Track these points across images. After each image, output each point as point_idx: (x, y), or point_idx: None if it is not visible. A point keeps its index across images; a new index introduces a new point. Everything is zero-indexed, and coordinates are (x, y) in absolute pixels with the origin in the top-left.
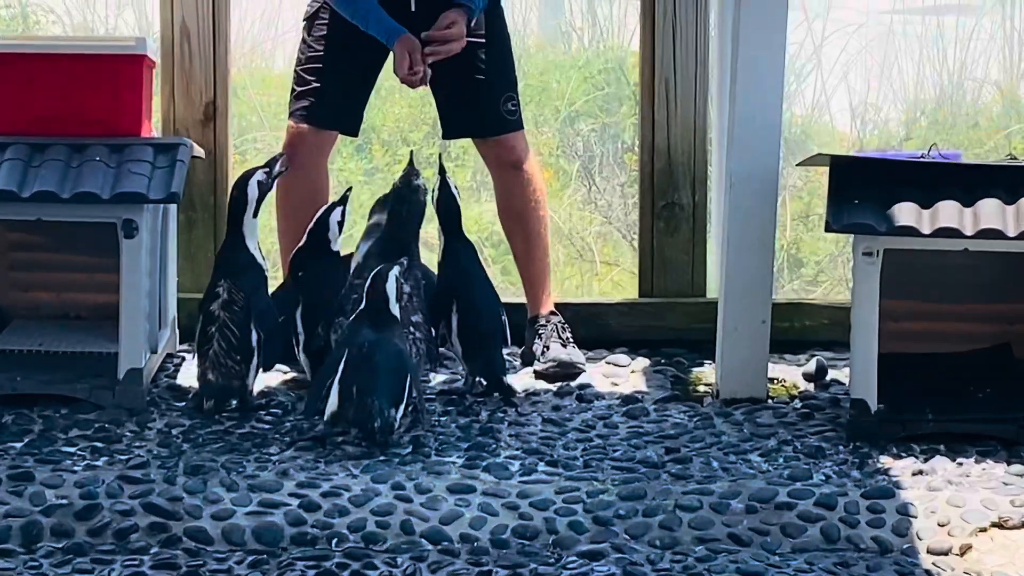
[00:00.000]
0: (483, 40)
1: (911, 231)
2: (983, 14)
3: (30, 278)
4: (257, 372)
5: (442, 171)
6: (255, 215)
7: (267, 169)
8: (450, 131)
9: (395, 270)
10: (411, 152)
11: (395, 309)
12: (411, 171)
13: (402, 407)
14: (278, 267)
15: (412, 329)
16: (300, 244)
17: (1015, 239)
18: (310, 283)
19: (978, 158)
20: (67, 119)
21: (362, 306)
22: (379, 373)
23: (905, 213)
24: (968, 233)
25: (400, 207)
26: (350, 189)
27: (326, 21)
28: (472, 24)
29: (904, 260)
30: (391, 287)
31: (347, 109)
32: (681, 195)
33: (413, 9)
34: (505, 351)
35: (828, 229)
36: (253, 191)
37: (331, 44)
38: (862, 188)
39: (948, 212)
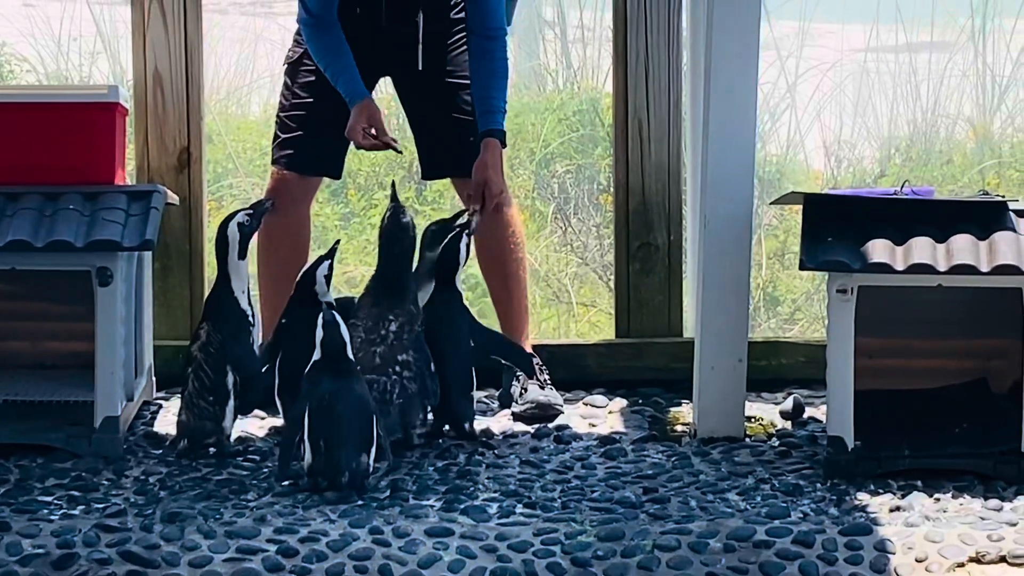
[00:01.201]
0: (467, 81)
1: (885, 268)
2: (956, 51)
3: (4, 327)
4: (234, 416)
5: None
6: (240, 257)
7: (250, 211)
8: (430, 171)
9: (342, 323)
10: (392, 183)
11: (351, 354)
12: (397, 208)
13: (372, 451)
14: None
15: (399, 368)
16: (291, 295)
17: (988, 274)
18: (293, 330)
19: (952, 194)
20: (40, 167)
21: (317, 356)
22: (342, 423)
23: (879, 250)
24: (941, 269)
25: (392, 247)
26: (338, 242)
27: (311, 68)
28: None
29: (879, 297)
30: (344, 333)
31: (331, 154)
32: (656, 235)
33: (420, 68)
34: (477, 394)
35: (802, 267)
36: (234, 233)
37: (317, 92)
38: (835, 226)
39: (921, 248)
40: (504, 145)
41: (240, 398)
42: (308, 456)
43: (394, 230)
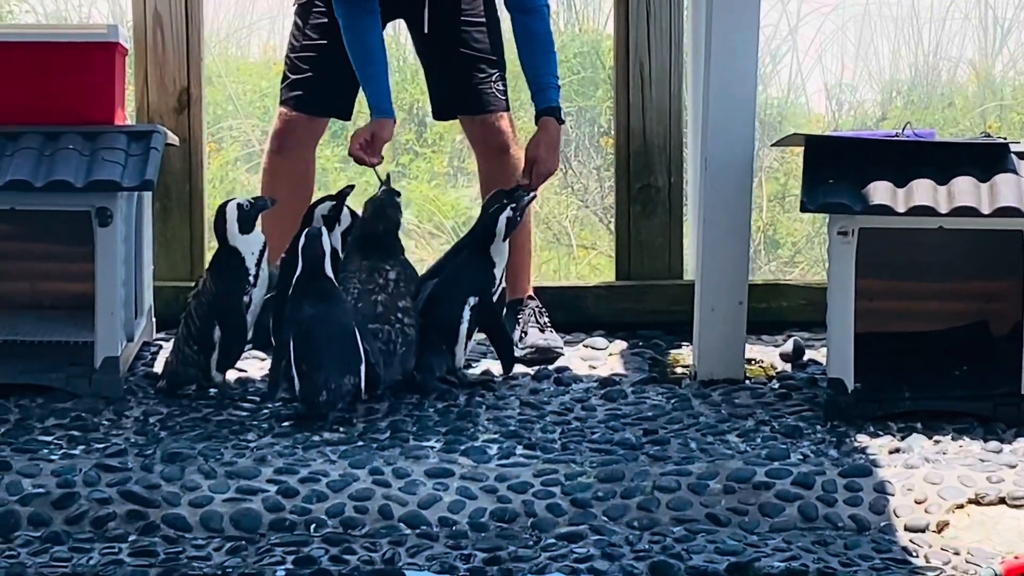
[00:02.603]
0: (482, 20)
1: (886, 210)
2: None
3: (4, 268)
4: (217, 369)
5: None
6: (242, 231)
7: (252, 200)
8: (440, 111)
9: (324, 230)
10: (388, 176)
11: (329, 270)
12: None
13: (361, 370)
14: None
15: (400, 315)
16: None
17: (989, 216)
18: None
19: (953, 137)
20: (40, 107)
21: (300, 270)
22: (322, 348)
23: (880, 192)
24: (943, 211)
25: (378, 223)
26: (351, 187)
27: (323, 10)
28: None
29: (880, 239)
30: (325, 244)
31: (341, 95)
32: (657, 177)
33: (426, 31)
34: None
35: (803, 209)
36: (232, 212)
37: (329, 33)
38: (837, 168)
39: (923, 191)
40: (561, 122)
41: (220, 354)
42: (297, 383)
43: (383, 212)
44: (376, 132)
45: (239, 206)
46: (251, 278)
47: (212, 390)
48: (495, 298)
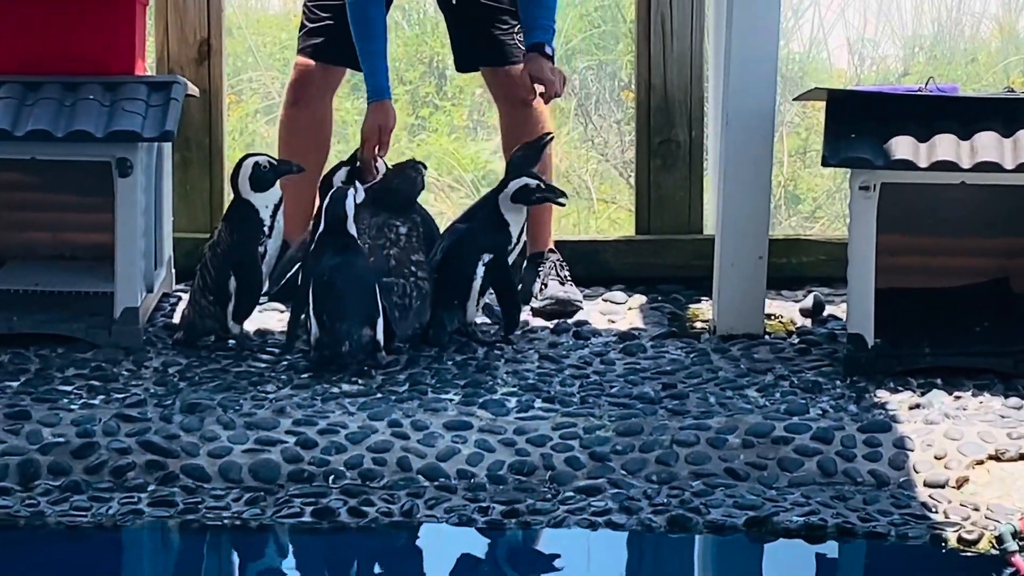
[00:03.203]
0: None
1: (908, 165)
2: None
3: (24, 218)
4: (233, 319)
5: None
6: (254, 189)
7: (274, 161)
8: (463, 63)
9: (351, 191)
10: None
11: (352, 228)
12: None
13: (379, 324)
14: None
15: (414, 268)
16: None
17: (1012, 171)
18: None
19: (976, 92)
20: (60, 57)
21: (322, 227)
22: (343, 298)
23: (902, 147)
24: (965, 166)
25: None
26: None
27: None
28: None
29: (901, 195)
30: (349, 206)
31: None
32: (678, 132)
33: (454, 2)
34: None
35: (825, 163)
36: (247, 169)
37: None
38: (859, 122)
39: (945, 145)
40: (549, 59)
41: (236, 305)
42: (315, 330)
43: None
44: (382, 125)
45: (256, 164)
46: (266, 229)
47: (230, 341)
48: (511, 257)
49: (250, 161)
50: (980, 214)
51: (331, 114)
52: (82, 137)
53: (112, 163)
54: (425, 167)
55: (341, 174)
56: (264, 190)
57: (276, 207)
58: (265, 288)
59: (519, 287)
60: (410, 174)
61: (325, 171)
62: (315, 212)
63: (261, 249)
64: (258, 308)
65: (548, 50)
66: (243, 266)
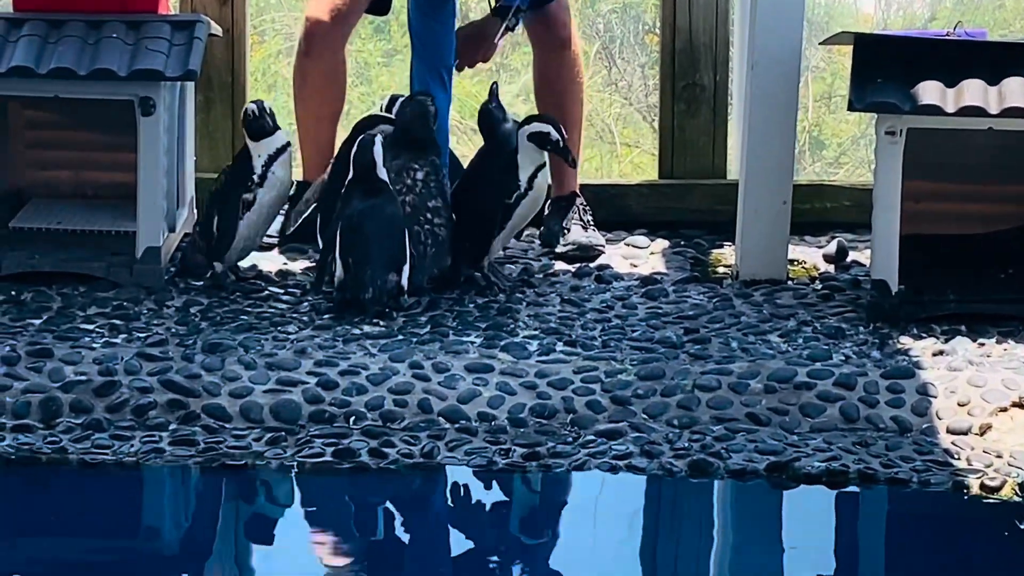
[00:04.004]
0: None
1: (935, 110)
2: None
3: (47, 157)
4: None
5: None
6: (251, 138)
7: (265, 108)
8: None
9: (379, 137)
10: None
11: (383, 174)
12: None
13: (405, 270)
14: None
15: (430, 215)
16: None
17: None
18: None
19: (1004, 38)
20: None
21: (351, 175)
22: (370, 243)
23: (929, 92)
24: (993, 112)
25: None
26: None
27: None
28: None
29: (927, 140)
30: (377, 153)
31: None
32: (702, 76)
33: None
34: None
35: (851, 108)
36: (247, 113)
37: None
38: (886, 67)
39: (973, 91)
40: (510, 29)
41: (215, 245)
42: (339, 272)
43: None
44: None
45: (244, 110)
46: (255, 176)
47: (224, 280)
48: (514, 199)
49: (252, 104)
50: (1006, 161)
51: (345, 63)
52: (105, 75)
53: (135, 102)
54: (432, 97)
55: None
56: (257, 138)
57: (272, 157)
58: (275, 230)
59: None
60: (422, 101)
61: (347, 120)
62: (334, 156)
63: (249, 196)
64: (275, 250)
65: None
66: (224, 209)
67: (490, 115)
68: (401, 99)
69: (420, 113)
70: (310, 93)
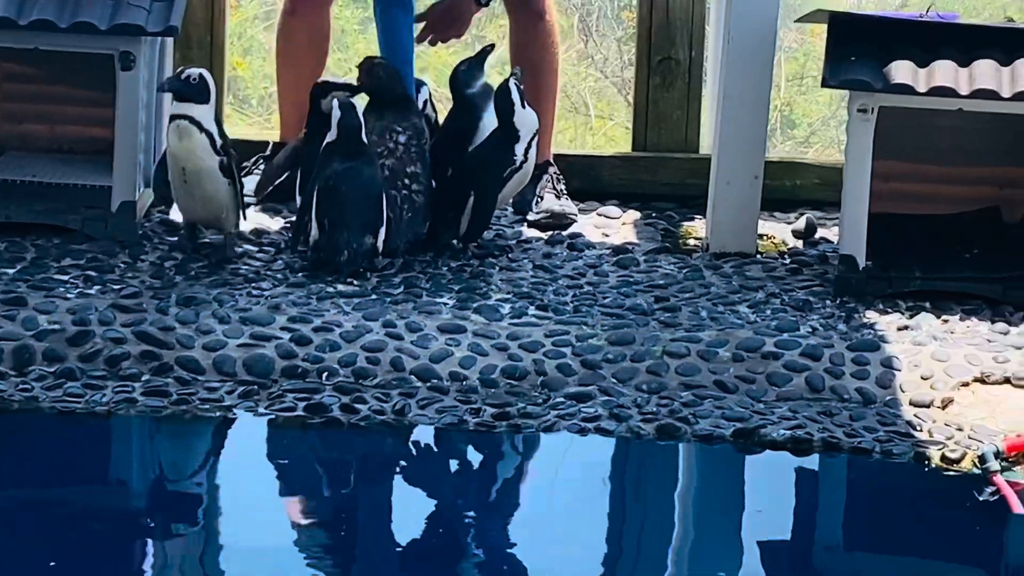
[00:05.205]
0: None
1: (906, 89)
2: None
3: (23, 109)
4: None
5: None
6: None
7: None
8: None
9: (358, 101)
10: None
11: (365, 137)
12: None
13: (381, 233)
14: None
15: (408, 180)
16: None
17: (1009, 100)
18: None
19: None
20: None
21: (333, 137)
22: (347, 206)
23: (901, 71)
24: (963, 92)
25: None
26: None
27: None
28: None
29: (898, 121)
30: (360, 116)
31: None
32: (678, 50)
33: None
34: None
35: (824, 84)
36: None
37: None
38: (860, 45)
39: (944, 71)
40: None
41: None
42: (315, 232)
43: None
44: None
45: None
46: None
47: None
48: (507, 173)
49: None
50: (975, 143)
51: (330, 23)
52: (86, 29)
53: (115, 56)
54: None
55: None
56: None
57: (201, 126)
58: (250, 190)
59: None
60: (388, 63)
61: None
62: (306, 120)
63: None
64: (251, 209)
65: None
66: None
67: (457, 76)
68: (369, 63)
69: (392, 73)
70: (293, 51)
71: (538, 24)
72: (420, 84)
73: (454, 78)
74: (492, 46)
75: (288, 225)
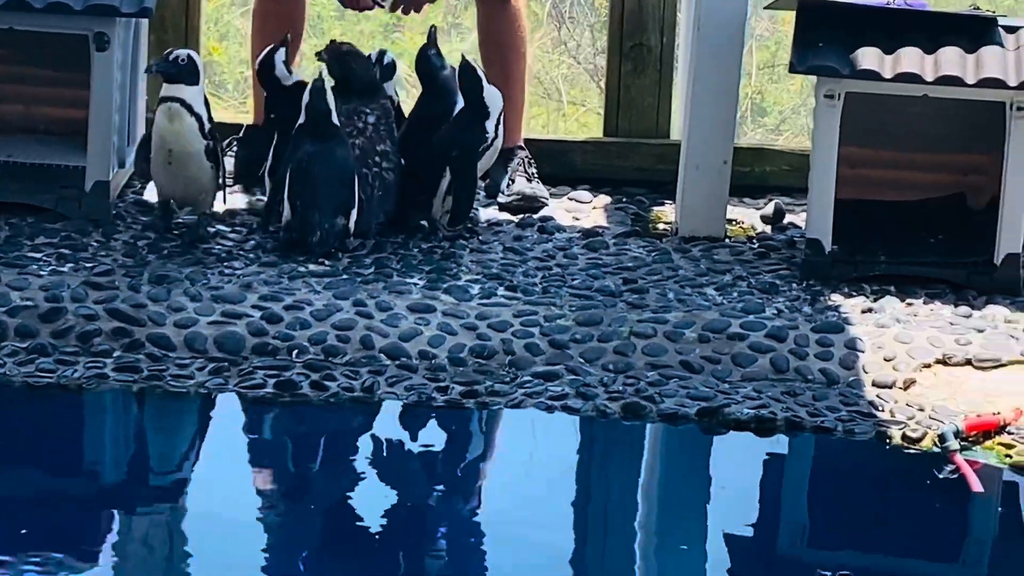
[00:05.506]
0: None
1: (873, 75)
2: None
3: None
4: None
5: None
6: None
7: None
8: None
9: (328, 83)
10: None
11: (335, 119)
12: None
13: (353, 213)
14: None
15: (378, 159)
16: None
17: (973, 86)
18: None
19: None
20: None
21: (302, 120)
22: (318, 187)
23: (868, 57)
24: (928, 79)
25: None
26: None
27: None
28: None
29: (864, 106)
30: (330, 100)
31: None
32: (650, 36)
33: None
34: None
35: (792, 70)
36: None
37: None
38: (827, 32)
39: (910, 58)
40: None
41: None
42: (287, 213)
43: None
44: None
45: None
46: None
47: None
48: (483, 153)
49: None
50: (941, 130)
51: (304, 8)
52: (60, 9)
53: (90, 36)
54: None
55: (280, 54)
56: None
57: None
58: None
59: (484, 181)
60: (348, 45)
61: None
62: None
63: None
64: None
65: None
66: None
67: (428, 60)
68: (335, 49)
69: (359, 57)
70: (269, 33)
71: (504, 8)
72: (382, 53)
73: (426, 62)
74: (434, 27)
75: (260, 205)
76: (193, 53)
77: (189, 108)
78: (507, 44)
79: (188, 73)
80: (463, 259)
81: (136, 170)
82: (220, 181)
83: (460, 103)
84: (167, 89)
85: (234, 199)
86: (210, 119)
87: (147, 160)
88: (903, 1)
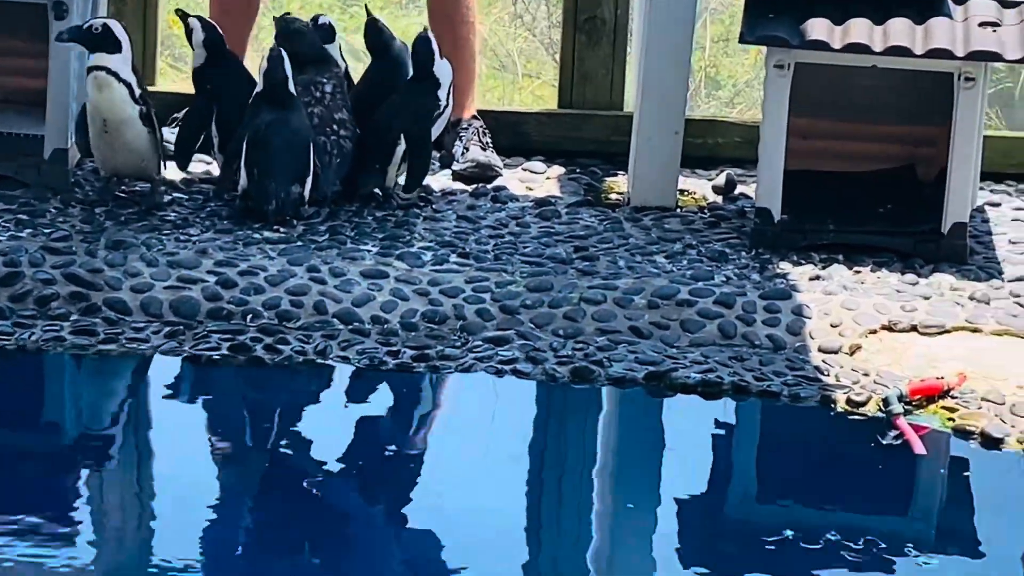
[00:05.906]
0: None
1: (822, 45)
2: None
3: None
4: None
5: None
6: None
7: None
8: None
9: (283, 52)
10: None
11: (292, 88)
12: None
13: (308, 181)
14: None
15: (336, 127)
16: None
17: (921, 56)
18: (220, 92)
19: None
20: None
21: (260, 88)
22: (275, 156)
23: (817, 28)
24: (877, 49)
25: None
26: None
27: None
28: None
29: (815, 77)
30: (287, 68)
31: None
32: (604, 9)
33: None
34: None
35: (742, 40)
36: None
37: None
38: (778, 3)
39: (859, 29)
40: None
41: None
42: (243, 180)
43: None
44: None
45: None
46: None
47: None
48: (436, 121)
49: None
50: (891, 102)
51: None
52: None
53: (48, 5)
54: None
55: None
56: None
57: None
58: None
59: (440, 153)
60: (293, 17)
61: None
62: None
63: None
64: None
65: None
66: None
67: (380, 32)
68: (284, 23)
69: (308, 29)
70: (226, 6)
71: None
72: (316, 17)
73: (377, 33)
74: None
75: (214, 170)
76: (111, 22)
77: (116, 75)
78: (455, 13)
79: (106, 41)
80: (416, 227)
81: (78, 146)
82: (159, 147)
83: (410, 73)
84: (93, 59)
85: (192, 167)
86: (141, 85)
87: (86, 133)
88: None
